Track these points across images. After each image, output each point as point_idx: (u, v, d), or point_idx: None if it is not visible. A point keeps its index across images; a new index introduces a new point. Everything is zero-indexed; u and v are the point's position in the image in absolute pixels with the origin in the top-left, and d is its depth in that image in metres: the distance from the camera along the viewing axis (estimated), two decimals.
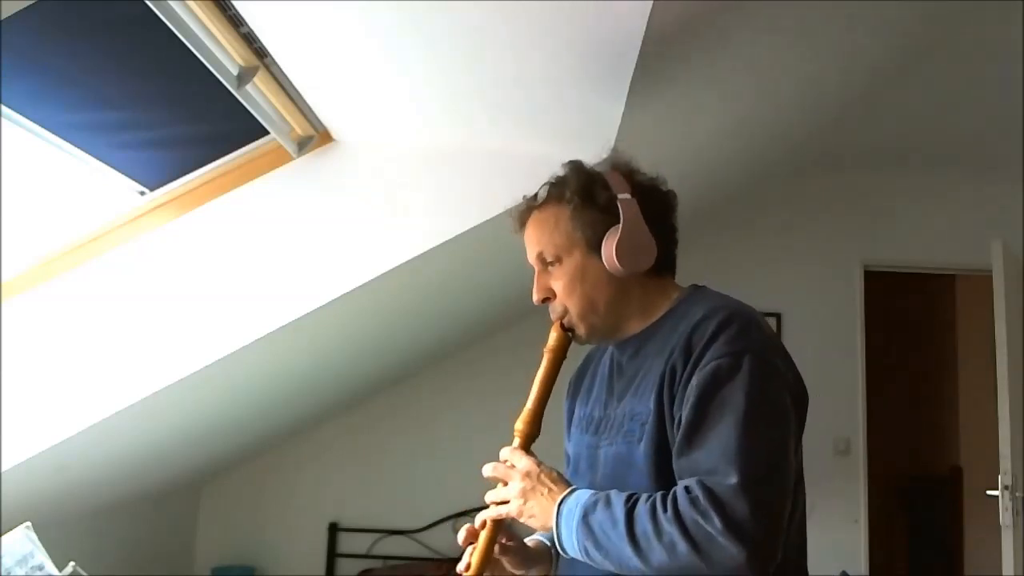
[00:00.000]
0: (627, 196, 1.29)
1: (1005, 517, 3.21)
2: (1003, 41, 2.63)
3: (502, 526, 1.29)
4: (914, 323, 5.40)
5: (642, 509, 1.11)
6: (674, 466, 1.16)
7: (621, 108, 2.07)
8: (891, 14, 2.33)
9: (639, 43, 1.75)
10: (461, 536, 1.31)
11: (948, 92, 3.13)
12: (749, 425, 1.11)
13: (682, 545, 1.06)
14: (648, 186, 1.33)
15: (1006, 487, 3.21)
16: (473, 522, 1.31)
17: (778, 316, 3.98)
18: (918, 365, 5.35)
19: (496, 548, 1.30)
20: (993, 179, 3.97)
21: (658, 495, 1.12)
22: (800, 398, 1.23)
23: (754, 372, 1.14)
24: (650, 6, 1.60)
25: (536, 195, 1.35)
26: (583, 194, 1.30)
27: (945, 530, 5.04)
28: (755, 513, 1.05)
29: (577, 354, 1.44)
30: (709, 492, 1.07)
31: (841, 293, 4.08)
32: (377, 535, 3.91)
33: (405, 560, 3.85)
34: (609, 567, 1.14)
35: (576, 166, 1.36)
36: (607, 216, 1.28)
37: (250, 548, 3.91)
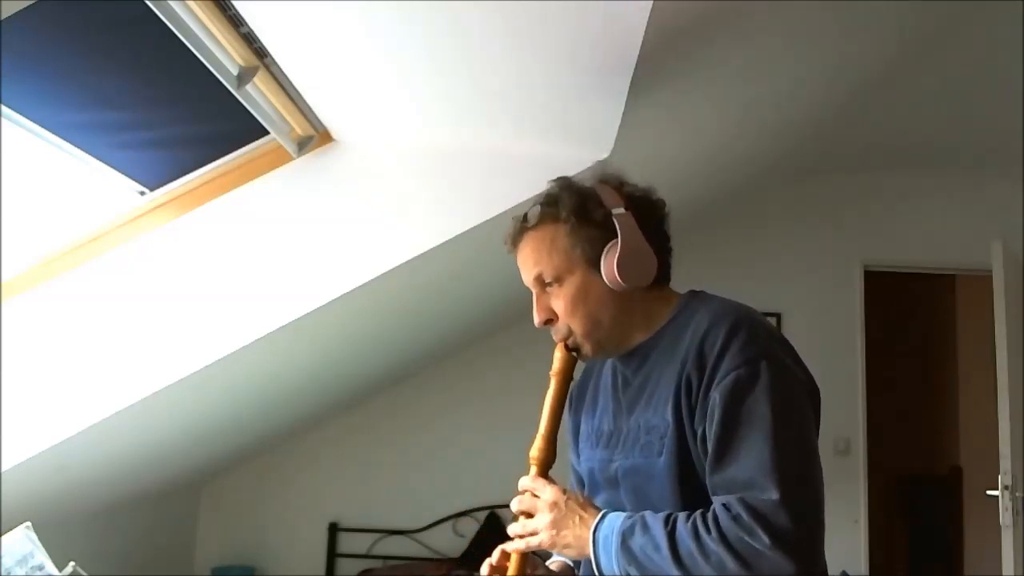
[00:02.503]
0: (621, 210, 1.28)
1: (1005, 517, 3.21)
2: (1003, 41, 2.63)
3: (528, 559, 1.28)
4: (914, 323, 5.40)
5: (683, 530, 1.11)
6: (707, 483, 1.16)
7: (621, 108, 2.07)
8: (891, 14, 2.33)
9: (639, 43, 1.75)
10: (484, 572, 1.29)
11: (948, 92, 3.13)
12: (778, 434, 1.12)
13: (731, 564, 1.06)
14: (640, 197, 1.32)
15: (1006, 487, 3.21)
16: (491, 555, 1.29)
17: (778, 316, 3.98)
18: (918, 365, 5.35)
19: None
20: (993, 179, 3.97)
21: (697, 515, 1.12)
22: (813, 393, 1.24)
23: (773, 378, 1.15)
24: (650, 6, 1.60)
25: (526, 216, 1.33)
26: (578, 212, 1.28)
27: (945, 530, 5.04)
28: (798, 524, 1.06)
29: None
30: (751, 509, 1.07)
31: (841, 293, 4.08)
32: (377, 535, 3.91)
33: (405, 560, 3.85)
34: None
35: (566, 183, 1.33)
36: (604, 232, 1.27)
37: (250, 548, 3.91)
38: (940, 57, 2.82)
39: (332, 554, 3.92)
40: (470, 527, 3.85)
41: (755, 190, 4.03)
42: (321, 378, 3.31)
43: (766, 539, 1.05)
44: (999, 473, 3.24)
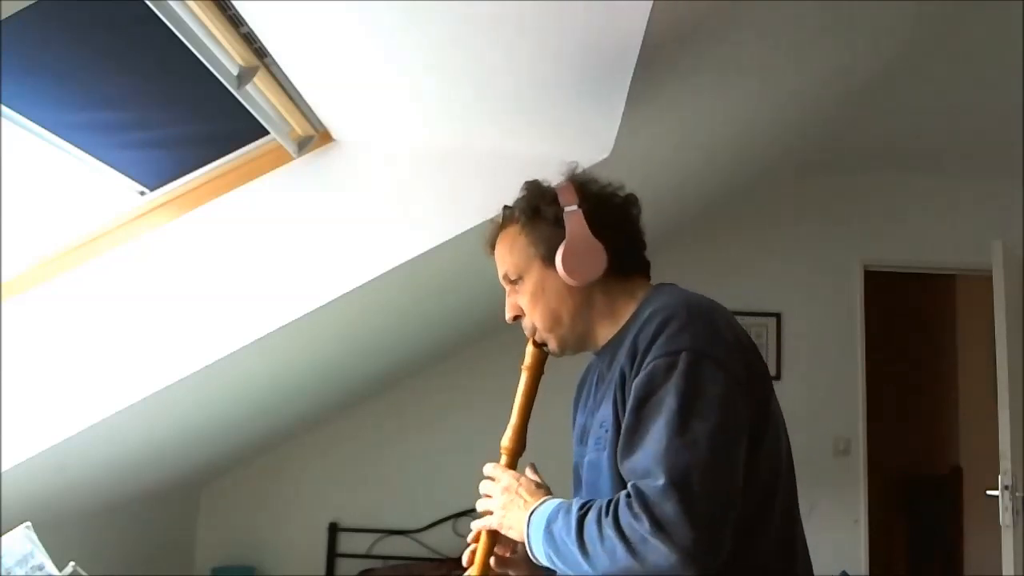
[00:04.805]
0: (573, 208, 1.32)
1: (1005, 517, 3.21)
2: (1003, 41, 2.63)
3: (497, 539, 1.34)
4: (914, 323, 5.40)
5: (591, 516, 1.13)
6: (620, 471, 1.18)
7: (621, 107, 2.07)
8: (891, 14, 2.33)
9: (639, 42, 1.75)
10: (465, 559, 1.37)
11: (948, 92, 3.13)
12: (680, 424, 1.11)
13: (620, 549, 1.08)
14: (599, 195, 1.36)
15: (1006, 487, 3.21)
16: (470, 531, 1.38)
17: (778, 316, 3.98)
18: (918, 365, 5.35)
19: (493, 561, 1.35)
20: (993, 179, 3.97)
21: (604, 500, 1.14)
22: (761, 395, 1.22)
23: (689, 370, 1.14)
24: (650, 6, 1.60)
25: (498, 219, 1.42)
26: (530, 212, 1.36)
27: (945, 530, 5.04)
28: (685, 512, 1.05)
29: (565, 363, 1.46)
30: (640, 494, 1.08)
31: (841, 293, 4.08)
32: (377, 535, 3.92)
33: (405, 560, 3.85)
34: (570, 574, 1.17)
35: (529, 185, 1.40)
36: (557, 230, 1.32)
37: (250, 548, 3.91)
38: (940, 57, 2.82)
39: (332, 554, 3.92)
40: (470, 527, 3.84)
41: (755, 190, 4.03)
42: (321, 378, 3.31)
43: (647, 525, 1.05)
44: (999, 473, 3.24)
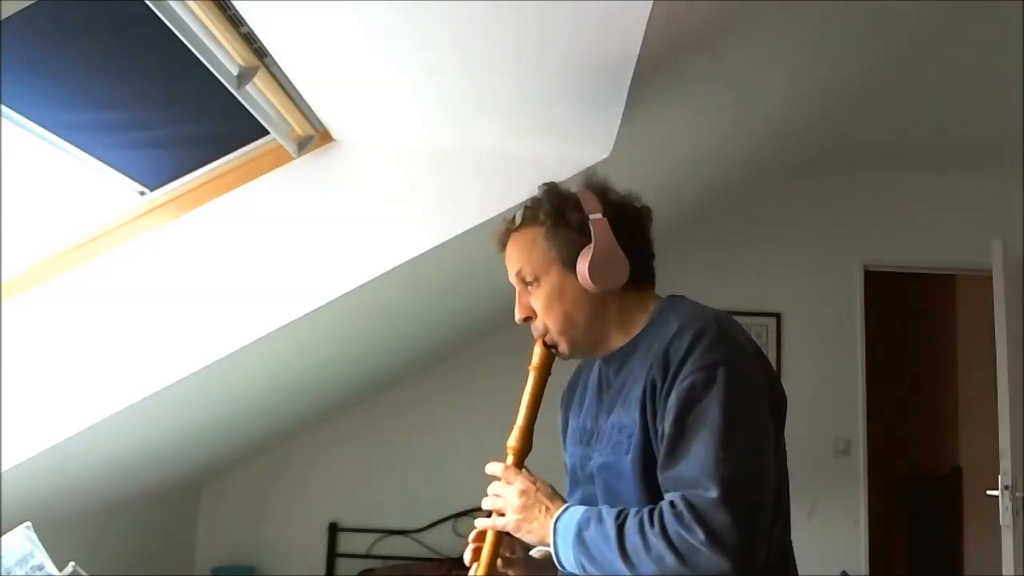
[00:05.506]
0: (598, 216, 1.33)
1: (1005, 517, 3.21)
2: (1003, 41, 2.63)
3: (503, 539, 1.35)
4: (914, 323, 5.40)
5: (631, 524, 1.16)
6: (659, 480, 1.21)
7: (621, 108, 2.07)
8: (890, 14, 2.33)
9: (639, 43, 1.75)
10: (467, 557, 1.38)
11: (948, 92, 3.13)
12: (725, 437, 1.15)
13: (669, 558, 1.11)
14: (620, 204, 1.38)
15: (1006, 487, 3.21)
16: (472, 530, 1.39)
17: (778, 316, 3.98)
18: (918, 365, 5.35)
19: (499, 562, 1.36)
20: (993, 179, 3.97)
21: (645, 510, 1.17)
22: (776, 403, 1.28)
23: (728, 384, 1.19)
24: (649, 7, 1.60)
25: (514, 218, 1.42)
26: (556, 215, 1.36)
27: (945, 530, 5.04)
28: (736, 523, 1.10)
29: (568, 366, 1.48)
30: (691, 506, 1.12)
31: (841, 293, 4.08)
32: (377, 535, 3.92)
33: (405, 560, 3.85)
34: None
35: (550, 188, 1.41)
36: (580, 236, 1.33)
37: (250, 548, 3.91)
38: (939, 57, 2.82)
39: (332, 554, 3.92)
40: (470, 527, 3.84)
41: (755, 190, 4.03)
42: (321, 378, 3.31)
43: (702, 536, 1.09)
44: (999, 473, 3.24)
